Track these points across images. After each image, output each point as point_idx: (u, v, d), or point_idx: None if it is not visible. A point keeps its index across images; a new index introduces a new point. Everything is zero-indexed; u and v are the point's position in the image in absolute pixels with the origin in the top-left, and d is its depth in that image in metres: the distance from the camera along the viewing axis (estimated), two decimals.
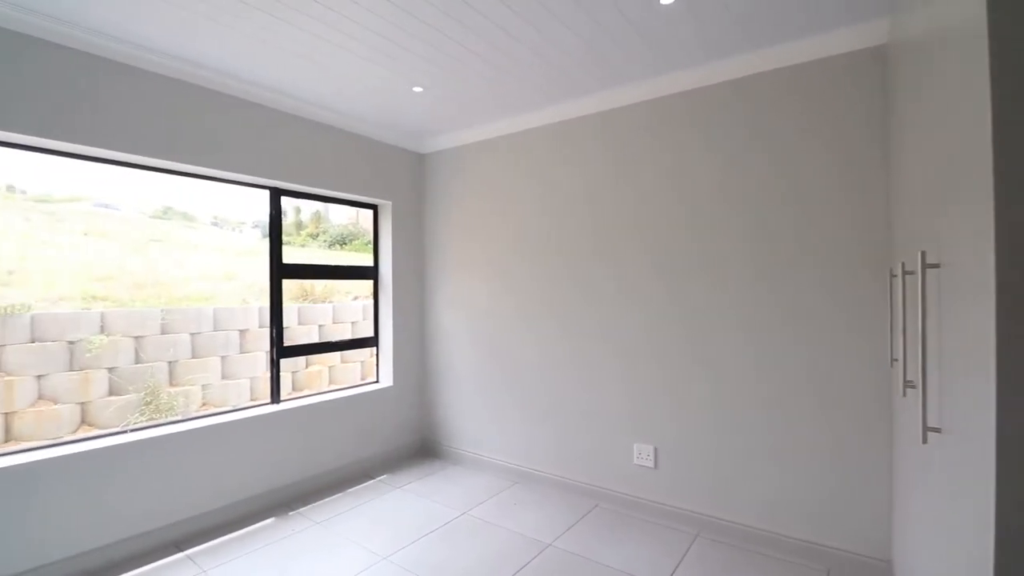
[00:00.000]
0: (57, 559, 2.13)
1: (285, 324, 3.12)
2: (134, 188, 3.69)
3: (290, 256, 3.17)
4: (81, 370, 2.92)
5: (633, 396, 2.83)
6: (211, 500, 2.62)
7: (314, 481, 3.10)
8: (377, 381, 3.72)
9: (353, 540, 2.52)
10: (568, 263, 3.08)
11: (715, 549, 2.43)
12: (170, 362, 3.39)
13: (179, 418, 2.72)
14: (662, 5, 2.00)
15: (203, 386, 3.55)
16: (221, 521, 2.65)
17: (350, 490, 3.12)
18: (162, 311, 3.42)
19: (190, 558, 2.35)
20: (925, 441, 1.03)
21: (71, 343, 2.91)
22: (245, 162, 2.79)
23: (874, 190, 2.18)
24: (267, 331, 3.11)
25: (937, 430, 1.04)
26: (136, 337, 3.24)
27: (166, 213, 3.99)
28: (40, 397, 2.77)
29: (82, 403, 2.91)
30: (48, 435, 2.70)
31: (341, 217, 5.13)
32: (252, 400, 3.67)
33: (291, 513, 2.81)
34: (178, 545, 2.44)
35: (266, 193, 3.05)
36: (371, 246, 3.78)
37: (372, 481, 3.27)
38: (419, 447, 3.82)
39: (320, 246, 4.92)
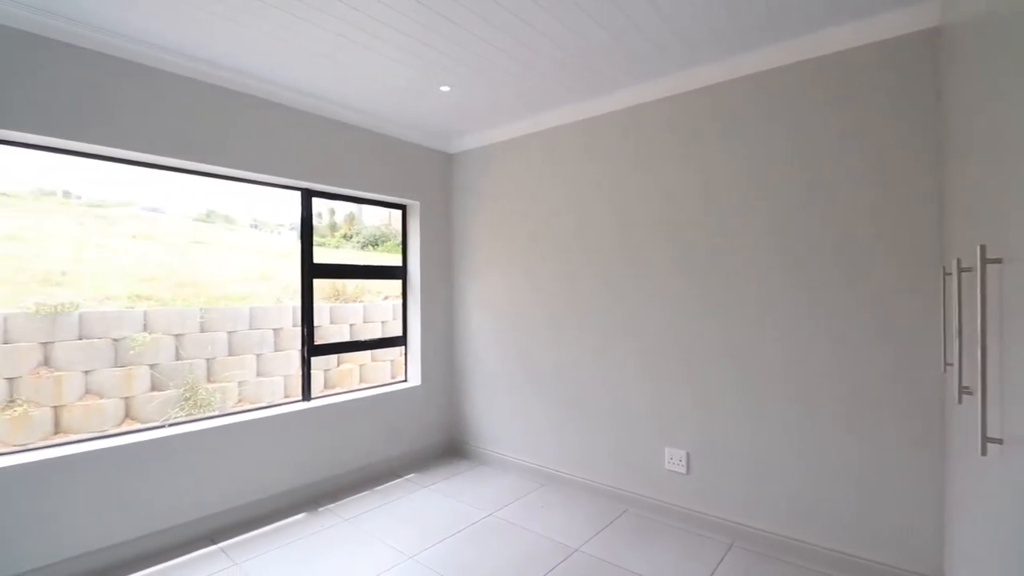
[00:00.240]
0: (97, 548, 2.22)
1: (317, 323, 3.18)
2: (179, 192, 3.84)
3: (323, 256, 3.22)
4: (125, 366, 3.04)
5: (662, 399, 2.75)
6: (244, 494, 2.68)
7: (343, 478, 3.14)
8: (405, 380, 3.75)
9: (380, 538, 2.53)
10: (594, 261, 3.02)
11: (751, 560, 2.32)
12: (208, 359, 3.50)
13: (216, 413, 2.81)
14: None
15: (239, 383, 3.65)
16: (253, 515, 2.71)
17: (378, 488, 3.15)
18: (201, 310, 3.53)
19: (223, 551, 2.41)
20: (984, 453, 0.94)
21: (116, 340, 3.04)
22: (278, 164, 2.85)
23: (917, 183, 2.05)
24: (299, 330, 3.17)
25: (998, 441, 0.95)
26: (176, 335, 3.36)
27: (209, 216, 4.13)
28: (87, 392, 2.90)
29: (126, 398, 3.03)
30: (94, 428, 2.82)
31: (374, 219, 5.21)
32: (285, 397, 3.75)
33: (321, 509, 2.85)
34: (212, 538, 2.51)
35: (298, 194, 3.11)
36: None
37: (399, 480, 3.28)
38: (446, 447, 3.83)
39: (354, 247, 5.00)
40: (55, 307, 2.79)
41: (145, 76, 2.36)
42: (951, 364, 1.56)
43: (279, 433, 2.85)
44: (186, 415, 3.12)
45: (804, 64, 2.31)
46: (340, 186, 3.18)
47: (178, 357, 3.35)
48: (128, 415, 3.04)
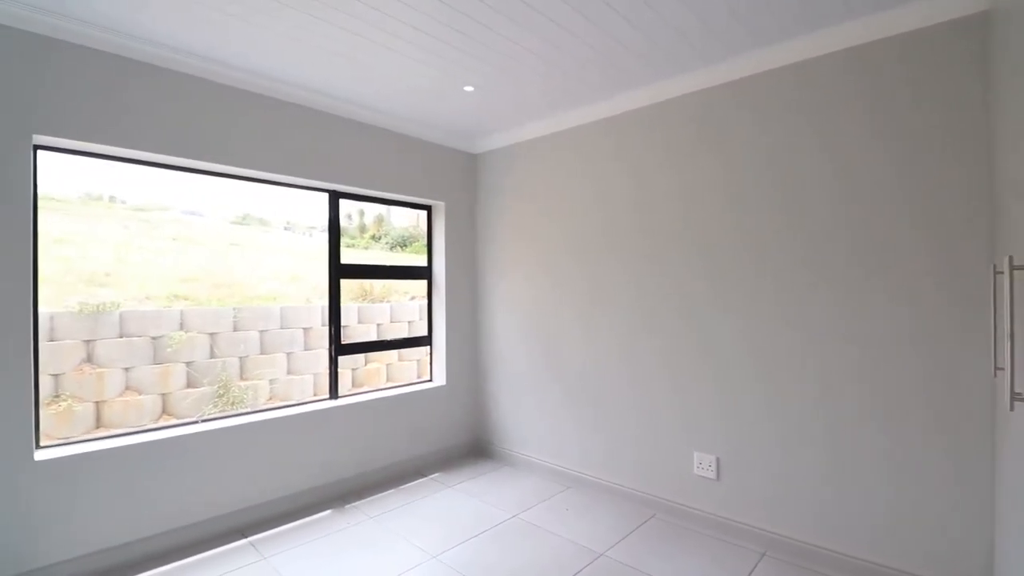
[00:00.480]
0: (133, 539, 2.30)
1: (346, 323, 3.23)
2: (216, 196, 3.97)
3: (352, 257, 3.27)
4: (162, 364, 3.15)
5: (690, 401, 2.68)
6: (273, 490, 2.74)
7: (369, 476, 3.17)
8: (431, 380, 3.77)
9: (404, 537, 2.55)
10: (618, 259, 2.98)
11: (784, 570, 2.24)
12: (241, 357, 3.59)
13: (247, 410, 2.88)
14: None
15: (270, 381, 3.74)
16: (282, 511, 2.76)
17: (403, 487, 3.17)
18: (234, 309, 3.63)
19: (252, 545, 2.46)
20: None
21: (154, 338, 3.15)
22: (306, 166, 2.91)
23: (953, 178, 1.94)
24: (328, 329, 3.23)
25: None
26: (211, 334, 3.46)
27: (245, 219, 4.25)
28: (127, 388, 3.01)
29: (163, 394, 3.14)
30: (133, 423, 2.92)
31: (402, 220, 5.27)
32: (314, 395, 3.82)
33: (347, 506, 2.89)
34: (242, 532, 2.57)
35: (325, 196, 3.17)
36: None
37: (424, 479, 3.30)
38: (471, 447, 3.83)
39: (382, 248, 5.07)
40: (97, 306, 2.91)
41: (187, 85, 2.44)
42: (1002, 368, 1.46)
43: (307, 431, 2.90)
44: (219, 412, 3.21)
45: (834, 56, 2.22)
46: (366, 187, 3.22)
47: (212, 355, 3.45)
48: (165, 411, 3.15)
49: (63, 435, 2.65)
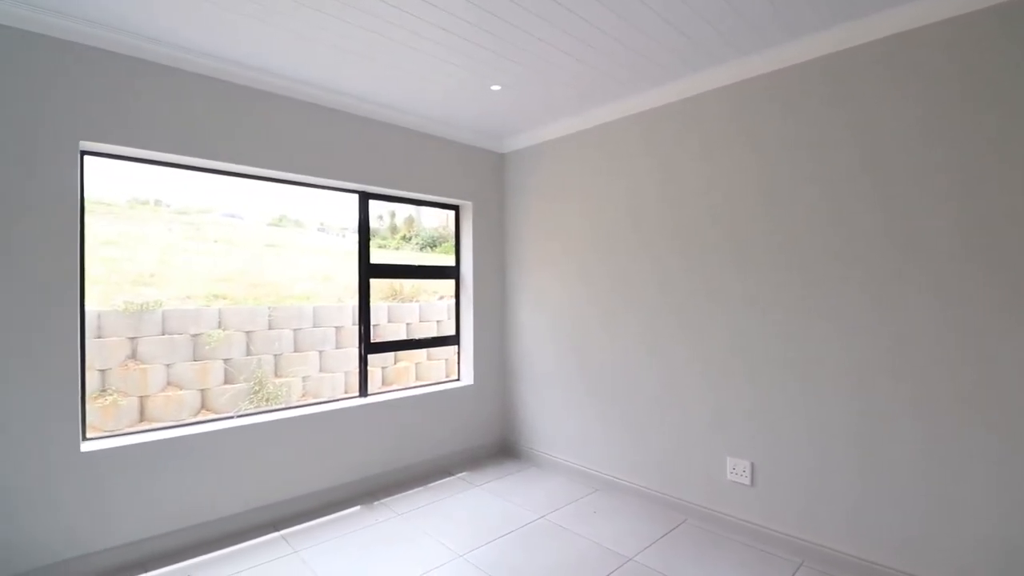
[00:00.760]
0: (173, 529, 2.38)
1: (376, 322, 3.27)
2: (255, 199, 4.10)
3: (382, 257, 3.31)
4: (201, 360, 3.27)
5: (722, 404, 2.59)
6: (305, 485, 2.80)
7: (397, 474, 3.20)
8: (458, 379, 3.78)
9: (431, 535, 2.56)
10: (649, 257, 2.91)
11: None
12: (275, 355, 3.69)
13: (281, 407, 2.95)
14: None
15: (303, 378, 3.83)
16: (313, 506, 2.82)
17: (430, 485, 3.19)
18: (269, 308, 3.73)
19: (284, 538, 2.52)
20: None
21: (194, 336, 3.27)
22: (336, 168, 2.96)
23: (997, 171, 1.82)
24: (358, 328, 3.28)
25: None
26: (247, 332, 3.57)
27: (281, 221, 4.37)
28: (168, 383, 3.14)
29: (202, 390, 3.26)
30: (173, 417, 3.04)
31: (432, 221, 5.32)
32: (345, 393, 3.89)
33: (375, 503, 2.92)
34: (275, 525, 2.64)
35: (355, 197, 3.22)
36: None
37: (451, 478, 3.31)
38: (498, 447, 3.82)
39: (413, 249, 5.13)
40: (141, 305, 3.04)
41: (226, 92, 2.52)
42: None
43: (338, 428, 2.95)
44: (255, 408, 3.30)
45: (873, 45, 2.12)
46: (394, 188, 3.25)
47: (248, 352, 3.56)
48: (204, 406, 3.26)
49: (109, 428, 2.78)
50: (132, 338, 3.01)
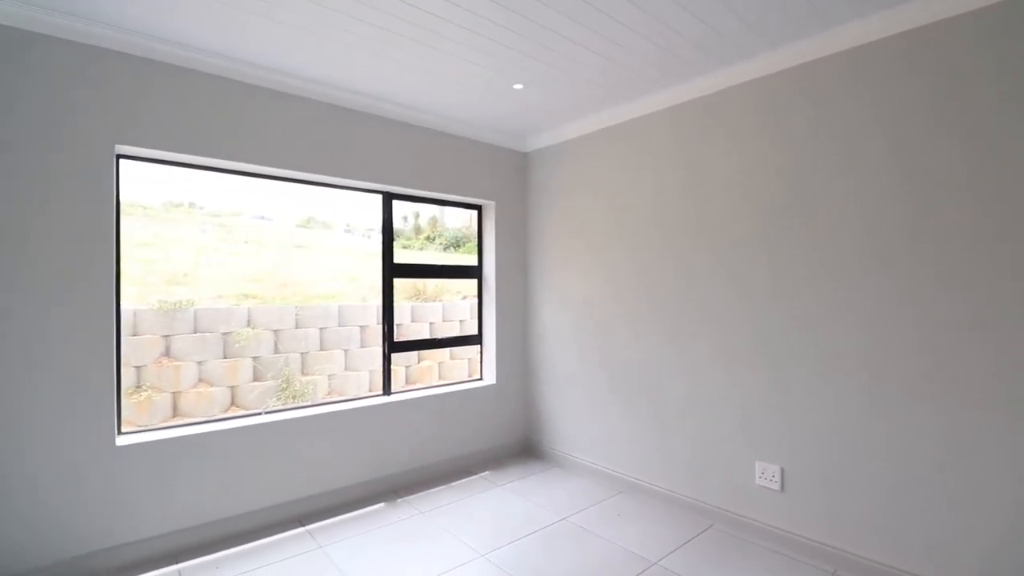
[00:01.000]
0: (202, 523, 2.45)
1: (400, 321, 3.30)
2: (284, 201, 4.20)
3: (404, 257, 3.34)
4: (231, 358, 3.35)
5: (750, 406, 2.52)
6: (330, 481, 2.84)
7: (420, 472, 3.22)
8: (481, 379, 3.78)
9: (454, 533, 2.56)
10: (674, 254, 2.86)
11: None
12: (302, 353, 3.76)
13: (307, 404, 3.00)
14: None
15: (329, 376, 3.89)
16: (338, 502, 2.86)
17: (453, 483, 3.19)
18: (296, 308, 3.80)
19: (310, 533, 2.56)
20: None
21: (224, 334, 3.36)
22: (361, 169, 3.00)
23: None
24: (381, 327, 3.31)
25: None
26: (275, 330, 3.65)
27: (309, 223, 4.46)
28: (200, 380, 3.23)
29: (231, 387, 3.34)
30: (204, 413, 3.13)
31: (456, 221, 5.35)
32: (369, 391, 3.93)
33: (399, 501, 2.94)
34: (300, 520, 2.68)
35: (379, 198, 3.25)
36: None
37: (474, 477, 3.31)
38: (521, 447, 3.81)
39: (436, 249, 5.17)
40: (174, 304, 3.14)
41: (253, 96, 2.58)
42: None
43: (362, 425, 2.98)
44: (282, 404, 3.37)
45: (902, 37, 2.06)
46: (416, 188, 3.27)
47: (276, 351, 3.64)
48: (233, 402, 3.34)
49: (144, 422, 2.88)
50: (166, 336, 3.11)
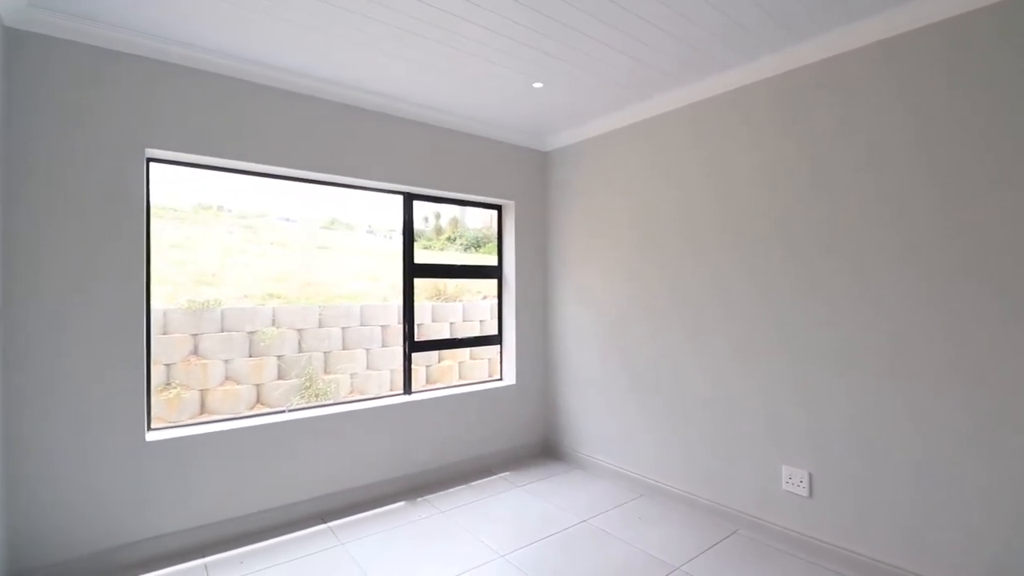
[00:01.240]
0: (226, 518, 2.50)
1: (420, 321, 3.32)
2: (308, 203, 4.27)
3: (425, 257, 3.36)
4: (256, 357, 3.42)
5: (776, 409, 2.45)
6: (351, 479, 2.87)
7: (440, 471, 3.23)
8: (501, 379, 3.78)
9: (473, 533, 2.56)
10: (697, 252, 2.81)
11: None
12: (325, 352, 3.81)
13: (330, 402, 3.04)
14: None
15: (351, 375, 3.94)
16: (359, 499, 2.89)
17: (473, 483, 3.20)
18: (319, 307, 3.86)
19: (331, 530, 2.59)
20: None
21: (250, 333, 3.42)
22: (381, 170, 3.02)
23: None
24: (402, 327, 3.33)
25: None
26: (299, 330, 3.70)
27: (332, 224, 4.53)
28: (226, 378, 3.30)
29: (257, 385, 3.41)
30: (231, 411, 3.20)
31: (476, 222, 5.37)
32: (391, 390, 3.96)
33: (419, 499, 2.96)
34: (322, 517, 2.72)
35: (400, 198, 3.27)
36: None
37: (494, 477, 3.30)
38: (541, 447, 3.79)
39: (457, 249, 5.19)
40: (203, 304, 3.22)
41: (279, 99, 2.63)
42: None
43: (383, 424, 3.01)
44: (305, 403, 3.43)
45: (928, 30, 1.99)
46: (436, 188, 3.29)
47: (300, 349, 3.70)
48: (258, 400, 3.41)
49: (173, 419, 2.95)
50: (194, 335, 3.19)
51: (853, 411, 2.20)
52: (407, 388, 3.27)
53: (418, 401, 3.18)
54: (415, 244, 3.32)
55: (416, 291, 3.32)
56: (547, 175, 3.84)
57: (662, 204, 3.00)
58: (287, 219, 4.25)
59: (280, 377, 3.53)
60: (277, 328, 3.59)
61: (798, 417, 2.38)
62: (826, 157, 2.30)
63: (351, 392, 3.87)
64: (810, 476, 2.34)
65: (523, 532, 2.58)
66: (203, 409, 3.15)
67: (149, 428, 2.39)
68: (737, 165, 2.63)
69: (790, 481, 2.40)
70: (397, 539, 2.50)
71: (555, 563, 2.30)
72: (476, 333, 4.52)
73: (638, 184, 3.14)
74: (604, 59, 2.44)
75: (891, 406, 2.09)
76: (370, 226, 4.81)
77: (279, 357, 3.56)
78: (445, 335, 4.47)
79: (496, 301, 3.85)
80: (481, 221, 5.33)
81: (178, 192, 3.41)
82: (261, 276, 3.81)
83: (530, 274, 3.77)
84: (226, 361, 3.31)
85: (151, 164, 2.43)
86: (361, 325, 4.04)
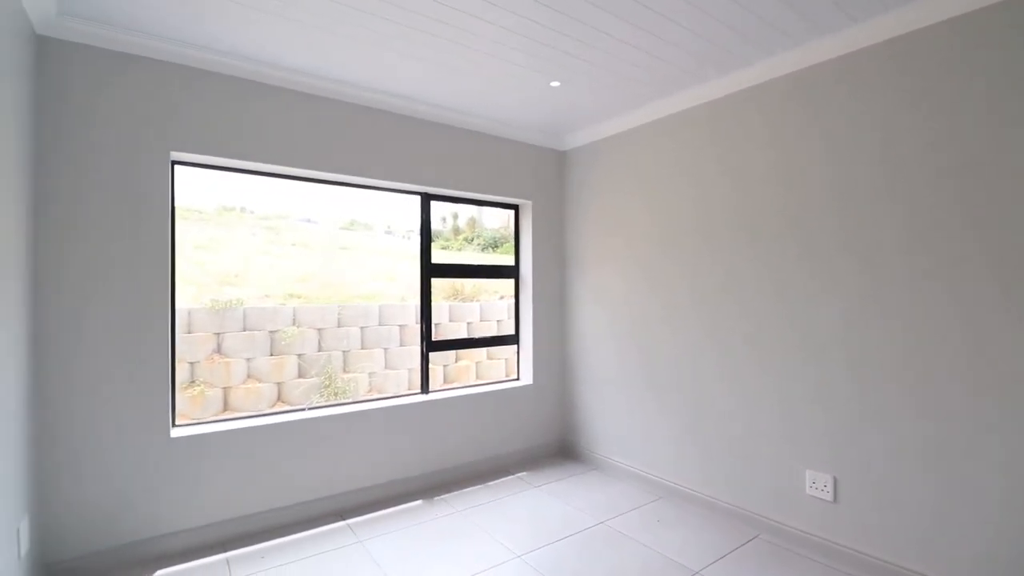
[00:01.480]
0: (246, 514, 2.54)
1: (438, 321, 3.33)
2: (328, 205, 4.34)
3: (442, 257, 3.38)
4: (278, 355, 3.48)
5: (798, 411, 2.39)
6: (370, 477, 2.90)
7: (457, 470, 3.24)
8: (518, 379, 3.77)
9: (490, 533, 2.56)
10: (715, 250, 2.76)
11: None
12: (344, 351, 3.86)
13: (348, 400, 3.08)
14: None
15: (369, 374, 3.98)
16: (377, 497, 2.91)
17: (490, 483, 3.20)
18: (339, 307, 3.91)
19: (350, 527, 2.61)
20: None
21: (271, 332, 3.49)
22: (400, 171, 3.04)
23: None
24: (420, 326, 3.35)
25: None
26: (319, 329, 3.76)
27: (352, 225, 4.60)
28: (248, 376, 3.37)
29: (278, 383, 3.47)
30: (253, 408, 3.26)
31: (493, 222, 5.38)
32: (408, 389, 4.00)
33: (436, 498, 2.97)
34: (341, 514, 2.75)
35: (417, 199, 3.29)
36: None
37: (511, 477, 3.30)
38: (558, 448, 3.77)
39: (474, 249, 5.21)
40: (226, 303, 3.29)
41: (298, 102, 2.67)
42: None
43: (400, 423, 3.03)
44: (325, 401, 3.48)
45: (945, 25, 1.94)
46: (454, 189, 3.30)
47: (320, 349, 3.75)
48: (279, 398, 3.47)
49: (197, 416, 3.02)
50: (217, 333, 3.26)
51: (871, 410, 2.14)
52: (424, 387, 3.29)
53: (436, 401, 3.20)
54: (433, 244, 3.33)
55: (434, 291, 3.34)
56: (564, 174, 3.82)
57: (680, 202, 2.96)
58: (308, 220, 4.32)
59: (300, 376, 3.59)
60: (298, 327, 3.65)
61: (815, 416, 2.33)
62: (842, 155, 2.25)
63: (369, 391, 3.91)
64: (835, 480, 2.28)
65: (540, 533, 2.57)
66: (226, 406, 3.21)
67: (174, 425, 2.45)
68: (754, 163, 2.59)
69: (814, 485, 2.34)
70: (414, 538, 2.52)
71: (572, 565, 2.28)
72: (493, 333, 4.53)
73: (655, 182, 3.10)
74: (622, 56, 2.42)
75: (908, 406, 2.03)
76: (388, 227, 4.86)
77: (299, 356, 3.61)
78: (462, 335, 4.49)
79: (513, 301, 3.85)
80: (498, 221, 5.34)
81: (202, 194, 3.49)
82: (283, 276, 3.88)
83: (547, 273, 3.76)
84: (248, 359, 3.37)
85: (175, 167, 2.49)
86: (379, 325, 4.08)
